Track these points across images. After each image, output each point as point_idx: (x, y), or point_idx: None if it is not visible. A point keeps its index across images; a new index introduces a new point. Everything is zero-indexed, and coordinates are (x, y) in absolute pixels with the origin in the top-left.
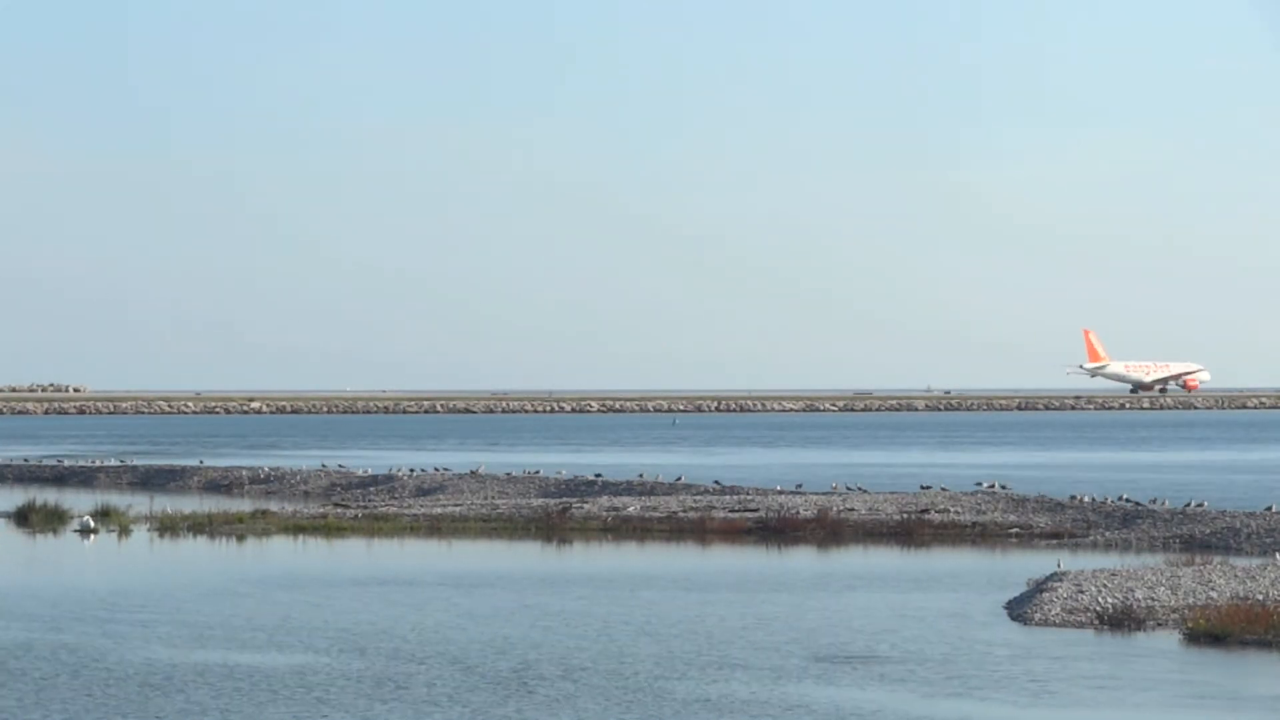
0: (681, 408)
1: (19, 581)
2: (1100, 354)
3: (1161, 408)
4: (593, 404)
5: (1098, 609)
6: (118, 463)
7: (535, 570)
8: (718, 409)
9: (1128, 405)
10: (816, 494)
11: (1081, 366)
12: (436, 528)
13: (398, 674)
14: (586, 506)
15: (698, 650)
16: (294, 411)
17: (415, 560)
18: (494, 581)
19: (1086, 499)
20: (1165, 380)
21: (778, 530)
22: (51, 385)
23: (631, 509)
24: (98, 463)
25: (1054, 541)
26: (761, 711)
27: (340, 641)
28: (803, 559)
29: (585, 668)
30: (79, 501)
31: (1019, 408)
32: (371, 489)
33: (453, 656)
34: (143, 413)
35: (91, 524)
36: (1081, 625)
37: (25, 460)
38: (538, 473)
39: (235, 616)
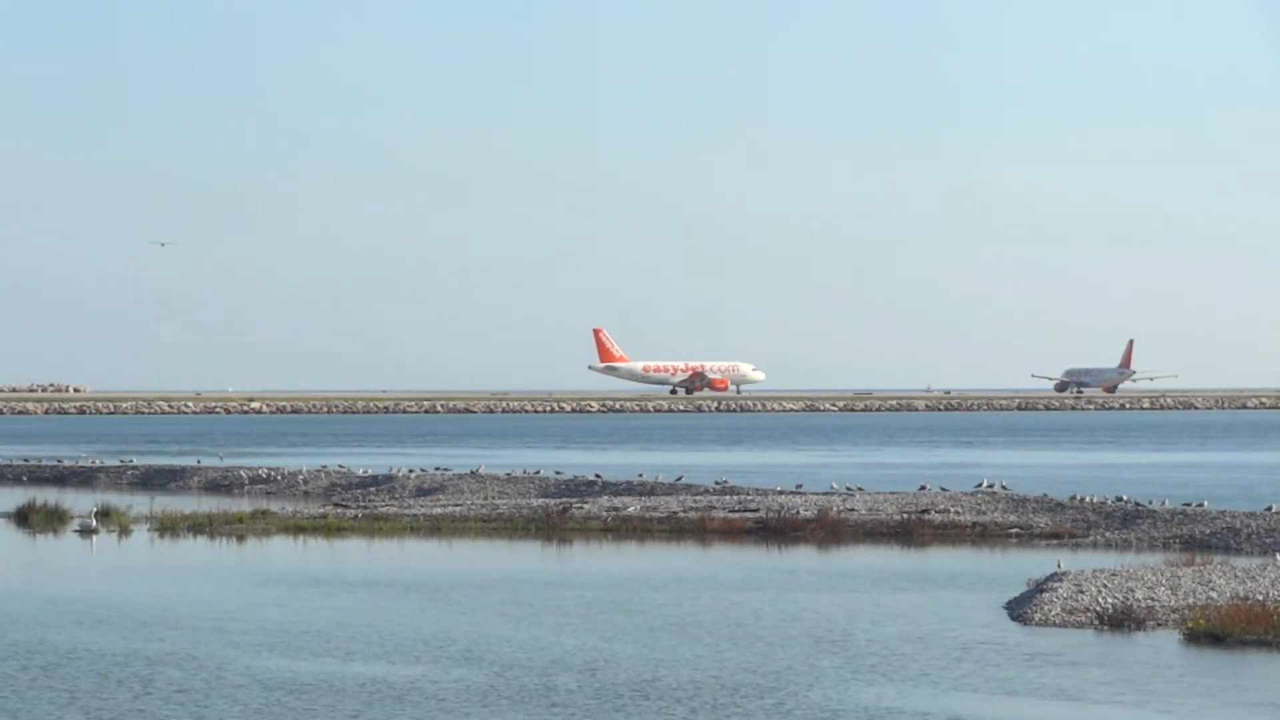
0: (682, 408)
1: (55, 586)
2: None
3: (1162, 408)
4: (593, 404)
5: (1098, 609)
6: (118, 463)
7: (576, 572)
8: (718, 409)
9: (1127, 406)
10: (816, 494)
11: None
12: (437, 528)
13: (534, 685)
14: (586, 506)
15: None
16: (294, 411)
17: (443, 562)
18: (542, 584)
19: (1086, 499)
20: None
21: (778, 530)
22: (51, 385)
23: (631, 509)
24: (98, 463)
25: (1054, 541)
26: (759, 707)
27: (440, 650)
28: (803, 559)
29: (711, 680)
30: (79, 501)
31: (1019, 408)
32: (371, 489)
33: (574, 666)
34: (143, 413)
35: (93, 524)
36: (1081, 625)
37: (25, 460)
38: (538, 473)
39: (304, 621)
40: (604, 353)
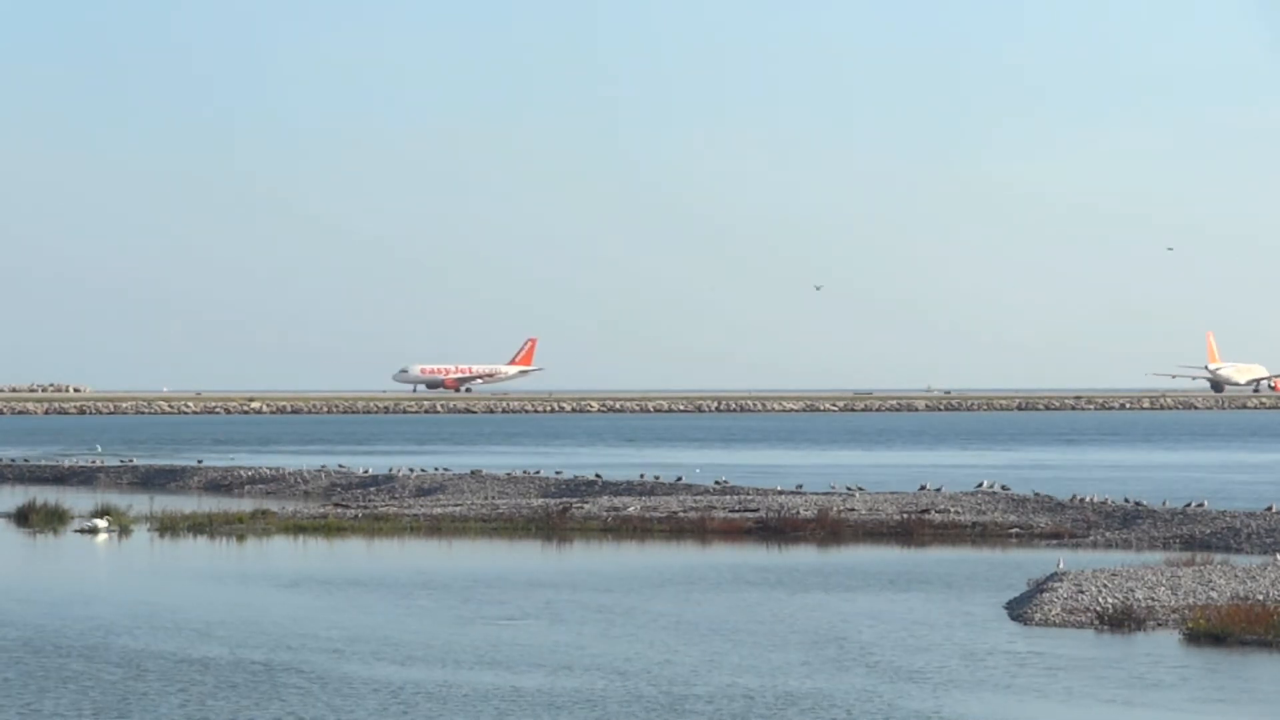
0: (681, 408)
1: (91, 590)
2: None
3: (1162, 408)
4: (593, 404)
5: (1098, 609)
6: (118, 463)
7: (588, 572)
8: (718, 409)
9: (1127, 406)
10: (816, 494)
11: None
12: (437, 528)
13: (670, 695)
14: (587, 506)
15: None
16: (294, 411)
17: (467, 562)
18: (565, 586)
19: (1087, 499)
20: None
21: (778, 530)
22: (51, 385)
23: (632, 509)
24: (98, 463)
25: (1054, 541)
26: (761, 708)
27: (536, 658)
28: (803, 559)
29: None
30: (79, 501)
31: (1019, 408)
32: (371, 489)
33: (698, 678)
34: (143, 413)
35: (100, 524)
36: (1082, 625)
37: (25, 460)
38: (538, 473)
39: (373, 626)
40: (1213, 356)
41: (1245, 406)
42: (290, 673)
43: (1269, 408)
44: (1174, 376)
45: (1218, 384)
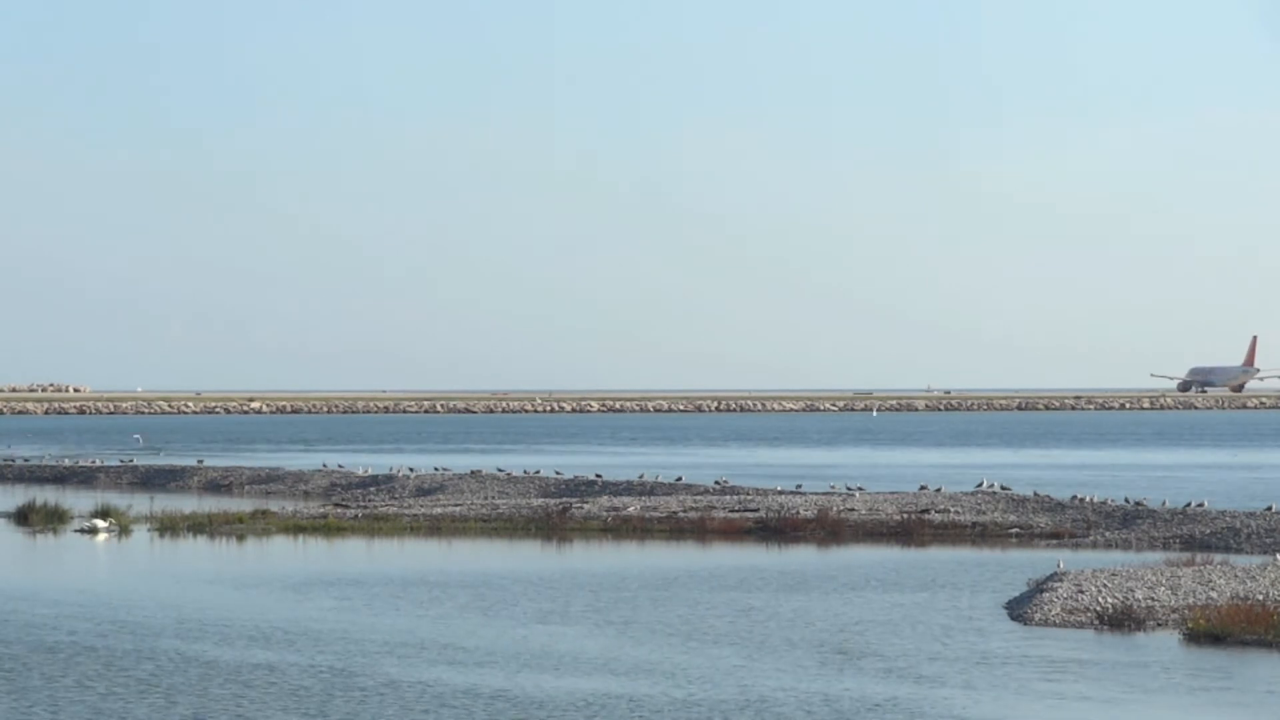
0: (681, 408)
1: (108, 592)
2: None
3: (1162, 408)
4: (593, 404)
5: (1098, 609)
6: (118, 463)
7: (597, 572)
8: (718, 409)
9: (1127, 405)
10: (816, 494)
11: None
12: (437, 528)
13: (758, 699)
14: (587, 506)
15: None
16: (294, 411)
17: (483, 563)
18: (581, 588)
19: (1087, 499)
20: None
21: (778, 530)
22: (51, 385)
23: (632, 509)
24: (98, 463)
25: (1054, 541)
26: (763, 709)
27: (572, 661)
28: (803, 559)
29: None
30: (79, 501)
31: (1019, 408)
32: (371, 489)
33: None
34: (143, 413)
35: (100, 524)
36: (1082, 625)
37: (25, 460)
38: (538, 473)
39: (402, 629)
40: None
41: (1245, 406)
42: (340, 676)
43: (1269, 407)
44: (1173, 379)
45: (1241, 385)
